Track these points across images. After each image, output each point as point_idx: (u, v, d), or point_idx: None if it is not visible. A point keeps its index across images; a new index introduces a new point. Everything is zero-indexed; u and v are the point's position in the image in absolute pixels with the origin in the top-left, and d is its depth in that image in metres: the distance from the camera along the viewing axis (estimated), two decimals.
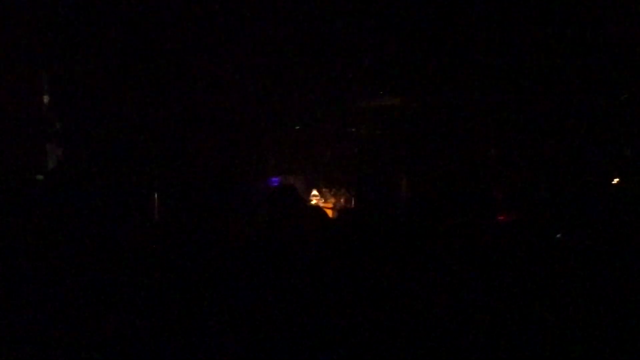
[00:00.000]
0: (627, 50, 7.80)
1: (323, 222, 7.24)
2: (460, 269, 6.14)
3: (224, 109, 8.44)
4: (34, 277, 5.30)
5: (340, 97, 9.05)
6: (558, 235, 6.44)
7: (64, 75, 8.29)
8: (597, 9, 7.85)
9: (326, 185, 9.37)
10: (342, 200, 9.22)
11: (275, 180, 8.70)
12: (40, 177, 7.70)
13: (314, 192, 9.23)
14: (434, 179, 8.45)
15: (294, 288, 5.68)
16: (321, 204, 9.00)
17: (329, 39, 8.72)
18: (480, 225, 7.22)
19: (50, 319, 4.87)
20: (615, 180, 7.69)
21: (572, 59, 8.06)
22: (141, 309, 5.10)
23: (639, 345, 4.74)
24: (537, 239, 6.54)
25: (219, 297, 5.52)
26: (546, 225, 6.81)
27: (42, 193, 7.13)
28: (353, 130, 9.26)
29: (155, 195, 7.80)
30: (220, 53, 8.44)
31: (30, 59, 8.21)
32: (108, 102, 8.21)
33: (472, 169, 8.40)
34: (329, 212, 8.58)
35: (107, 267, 5.62)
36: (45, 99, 8.41)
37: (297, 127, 9.09)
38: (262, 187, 8.18)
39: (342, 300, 5.49)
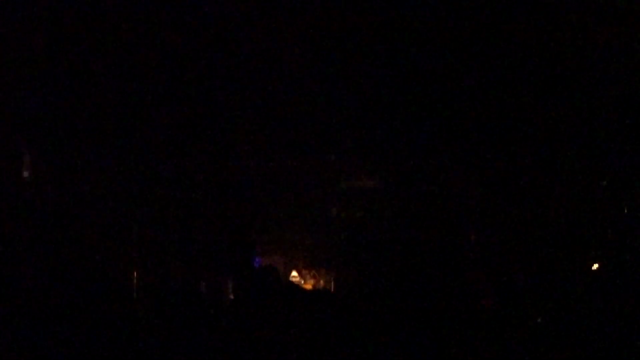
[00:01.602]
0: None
1: (302, 303, 7.21)
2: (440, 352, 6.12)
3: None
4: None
5: (322, 179, 9.11)
6: (539, 320, 6.45)
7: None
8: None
9: (306, 266, 9.33)
10: (321, 281, 9.18)
11: (257, 261, 8.67)
12: None
13: (294, 272, 9.20)
14: (413, 261, 8.46)
15: None
16: (301, 285, 8.95)
17: (312, 122, 8.84)
18: (458, 310, 7.22)
19: None
20: (595, 266, 7.73)
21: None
22: None
23: None
24: (518, 322, 6.54)
25: None
26: (527, 310, 6.82)
27: None
28: (334, 211, 9.29)
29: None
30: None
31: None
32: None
33: (452, 252, 8.43)
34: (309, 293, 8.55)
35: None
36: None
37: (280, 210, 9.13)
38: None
39: None
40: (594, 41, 7.92)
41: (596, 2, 7.96)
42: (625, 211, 7.80)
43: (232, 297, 8.01)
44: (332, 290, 8.83)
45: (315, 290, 8.71)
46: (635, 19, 7.76)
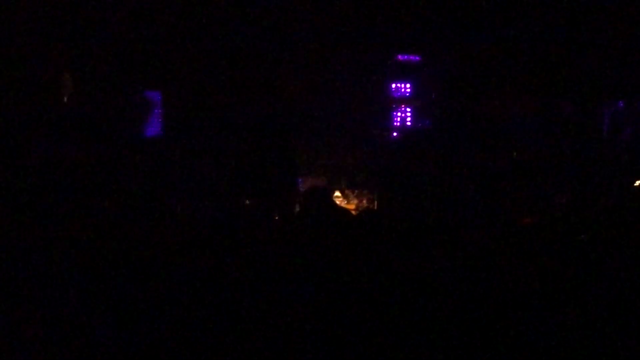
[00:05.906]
0: None
1: (346, 224, 7.32)
2: (477, 271, 6.20)
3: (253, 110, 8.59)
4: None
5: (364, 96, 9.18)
6: (582, 236, 6.49)
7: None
8: None
9: (349, 187, 9.44)
10: (364, 201, 9.29)
11: (299, 182, 8.79)
12: None
13: (337, 193, 9.30)
14: (453, 181, 8.55)
15: (315, 287, 5.75)
16: (344, 205, 9.07)
17: (351, 37, 8.87)
18: (496, 229, 7.28)
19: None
20: (638, 182, 7.77)
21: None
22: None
23: None
24: (560, 240, 6.59)
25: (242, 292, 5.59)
26: (569, 227, 6.86)
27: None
28: (375, 132, 9.35)
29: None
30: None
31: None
32: None
33: (494, 172, 8.50)
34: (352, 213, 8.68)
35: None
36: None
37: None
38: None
39: (359, 302, 5.54)
40: None
41: None
42: None
43: (277, 218, 8.16)
44: (375, 209, 8.96)
45: (362, 210, 8.84)
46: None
